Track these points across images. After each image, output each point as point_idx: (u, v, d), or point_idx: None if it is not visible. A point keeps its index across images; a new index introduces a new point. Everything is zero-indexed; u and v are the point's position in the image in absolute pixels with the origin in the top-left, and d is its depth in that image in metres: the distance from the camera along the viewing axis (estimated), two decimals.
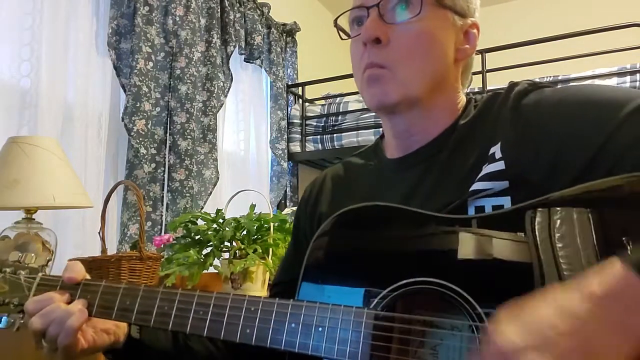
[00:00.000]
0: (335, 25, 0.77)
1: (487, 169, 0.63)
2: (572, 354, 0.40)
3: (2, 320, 0.76)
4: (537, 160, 0.60)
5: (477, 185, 0.63)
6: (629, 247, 0.47)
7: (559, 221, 0.52)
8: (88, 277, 0.75)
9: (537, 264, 0.51)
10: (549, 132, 0.61)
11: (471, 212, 0.62)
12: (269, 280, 1.60)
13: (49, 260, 1.38)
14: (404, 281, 0.57)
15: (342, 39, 0.78)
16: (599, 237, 0.50)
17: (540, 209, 0.54)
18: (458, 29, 0.72)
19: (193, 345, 0.79)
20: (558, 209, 0.53)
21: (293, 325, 0.60)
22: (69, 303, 0.71)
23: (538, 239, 0.53)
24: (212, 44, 2.49)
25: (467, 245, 0.56)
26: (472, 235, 0.56)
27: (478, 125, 0.69)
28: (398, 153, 0.76)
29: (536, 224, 0.53)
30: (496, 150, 0.64)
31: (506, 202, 0.60)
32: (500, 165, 0.62)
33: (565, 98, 0.63)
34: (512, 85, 0.69)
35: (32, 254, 0.79)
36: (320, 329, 0.58)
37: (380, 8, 0.69)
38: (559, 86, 0.67)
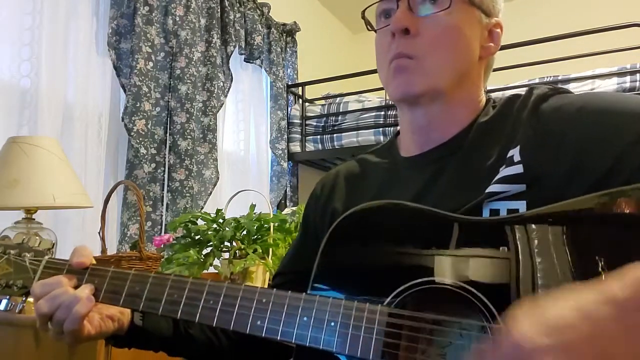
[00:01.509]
0: (363, 17, 0.77)
1: (505, 171, 0.63)
2: (590, 358, 0.39)
3: (3, 302, 0.75)
4: (555, 165, 0.60)
5: (493, 188, 0.62)
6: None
7: (567, 229, 0.53)
8: (95, 262, 0.75)
9: (533, 274, 0.52)
10: (569, 138, 0.61)
11: (486, 214, 0.62)
12: (269, 280, 1.60)
13: None
14: (416, 280, 0.57)
15: (368, 30, 0.78)
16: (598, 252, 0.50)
17: (555, 215, 0.54)
18: (483, 27, 0.73)
19: (194, 333, 0.79)
20: (570, 217, 0.53)
21: (305, 318, 0.59)
22: (76, 288, 0.71)
23: (547, 244, 0.53)
24: (212, 44, 2.49)
25: (479, 248, 0.56)
26: (484, 239, 0.56)
27: (497, 126, 0.69)
28: (415, 150, 0.75)
29: (550, 230, 0.53)
30: (515, 153, 0.63)
31: (521, 206, 0.60)
32: (518, 169, 0.62)
33: (586, 105, 0.63)
34: (533, 88, 0.69)
35: (37, 237, 0.78)
36: (332, 323, 0.58)
37: (410, 0, 0.70)
38: (580, 93, 0.67)
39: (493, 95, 0.81)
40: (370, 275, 0.61)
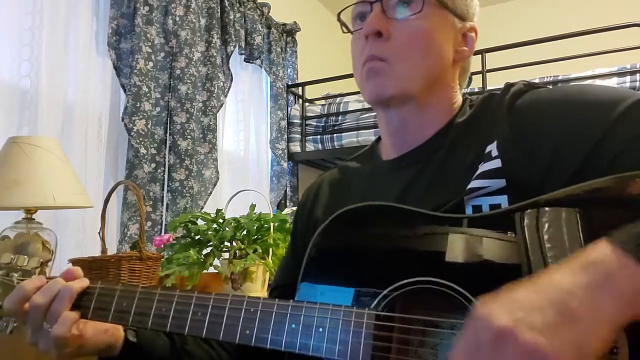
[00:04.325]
0: (339, 19, 0.78)
1: (484, 167, 0.63)
2: (555, 321, 0.40)
3: None
4: (533, 159, 0.60)
5: (473, 184, 0.62)
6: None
7: (549, 222, 0.53)
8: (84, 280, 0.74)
9: (527, 264, 0.52)
10: (544, 132, 0.61)
11: (468, 211, 0.62)
12: (269, 280, 1.60)
13: (48, 261, 1.38)
14: (404, 281, 0.57)
15: (344, 32, 0.79)
16: (586, 238, 0.50)
17: (535, 210, 0.54)
18: (457, 31, 0.73)
19: (190, 349, 0.78)
20: (550, 209, 0.53)
21: (293, 325, 0.59)
22: None
23: (530, 239, 0.53)
24: (212, 44, 2.49)
25: (466, 245, 0.56)
26: (471, 235, 0.56)
27: (474, 124, 0.70)
28: (393, 153, 0.76)
29: (530, 224, 0.53)
30: (492, 148, 0.64)
31: (503, 200, 0.60)
32: (497, 164, 0.62)
33: (559, 98, 0.64)
34: (509, 85, 0.70)
35: (25, 256, 0.77)
36: (320, 329, 0.58)
37: (383, 3, 0.70)
38: (554, 86, 0.68)
39: None
40: (358, 277, 0.61)
